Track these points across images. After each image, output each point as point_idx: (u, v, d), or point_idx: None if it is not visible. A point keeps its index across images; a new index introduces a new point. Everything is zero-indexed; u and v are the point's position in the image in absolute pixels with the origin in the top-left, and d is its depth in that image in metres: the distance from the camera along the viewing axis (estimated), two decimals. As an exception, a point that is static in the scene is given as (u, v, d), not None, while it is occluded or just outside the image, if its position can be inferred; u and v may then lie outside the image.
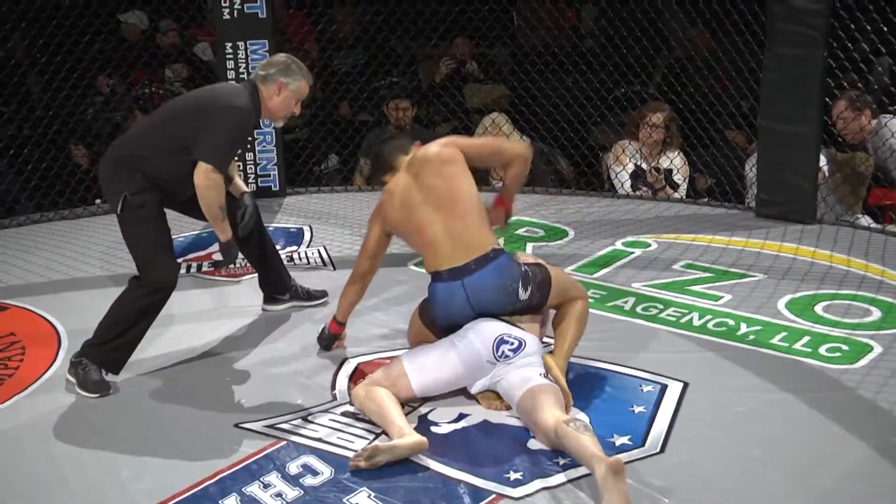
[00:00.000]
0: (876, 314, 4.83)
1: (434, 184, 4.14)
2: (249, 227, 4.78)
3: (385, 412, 3.80)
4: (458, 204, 4.11)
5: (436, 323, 4.18)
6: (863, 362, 4.31)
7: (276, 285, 5.10)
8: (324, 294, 5.16)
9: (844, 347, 4.44)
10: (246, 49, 6.76)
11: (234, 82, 4.61)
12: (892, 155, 6.20)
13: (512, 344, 3.98)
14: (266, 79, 4.49)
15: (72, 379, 4.35)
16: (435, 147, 4.23)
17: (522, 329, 4.05)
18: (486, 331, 4.00)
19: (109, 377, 4.33)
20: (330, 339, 4.58)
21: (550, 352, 4.14)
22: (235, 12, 6.68)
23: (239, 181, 4.87)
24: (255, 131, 6.86)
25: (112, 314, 4.38)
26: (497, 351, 3.96)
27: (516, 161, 4.41)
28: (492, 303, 4.06)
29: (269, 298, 5.14)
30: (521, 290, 4.06)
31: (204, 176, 4.28)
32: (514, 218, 4.96)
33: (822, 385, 4.14)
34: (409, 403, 4.01)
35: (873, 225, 6.29)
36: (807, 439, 3.74)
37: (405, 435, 3.65)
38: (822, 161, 6.33)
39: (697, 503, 3.38)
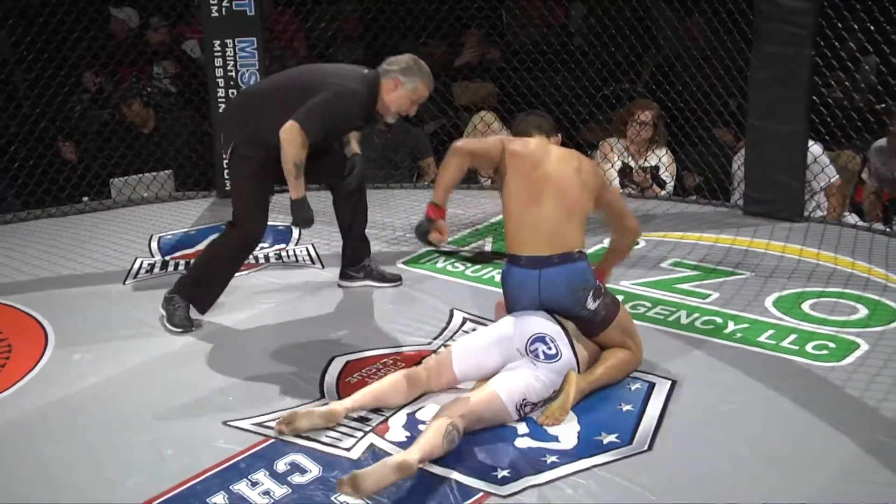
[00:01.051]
0: (862, 312, 4.84)
1: (565, 173, 4.17)
2: (352, 185, 5.04)
3: (372, 384, 4.01)
4: (573, 203, 4.14)
5: (505, 303, 4.25)
6: (850, 360, 4.32)
7: (351, 257, 5.20)
8: (398, 277, 5.22)
9: (831, 345, 4.46)
10: (234, 46, 6.75)
11: (363, 69, 4.79)
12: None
13: (549, 349, 3.99)
14: (387, 73, 4.68)
15: (162, 312, 4.77)
16: (587, 160, 4.34)
17: (571, 340, 4.05)
18: (531, 323, 4.05)
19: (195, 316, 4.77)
20: (426, 227, 4.32)
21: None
22: (223, 10, 6.66)
23: (354, 145, 5.09)
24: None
25: (204, 255, 4.90)
26: (530, 345, 3.99)
27: (629, 234, 4.47)
28: (559, 300, 4.09)
29: (344, 274, 5.30)
30: (590, 299, 4.09)
31: (288, 132, 4.50)
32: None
33: (809, 383, 4.15)
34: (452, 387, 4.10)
35: (860, 223, 6.31)
36: (795, 437, 3.74)
37: (334, 403, 3.89)
38: (826, 161, 6.35)
39: (685, 501, 3.38)
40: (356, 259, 5.21)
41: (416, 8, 7.68)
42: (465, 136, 7.34)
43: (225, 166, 4.76)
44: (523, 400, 3.87)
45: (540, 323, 4.04)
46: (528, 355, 3.98)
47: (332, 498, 3.41)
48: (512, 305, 4.19)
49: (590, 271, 4.13)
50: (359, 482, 3.31)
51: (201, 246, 5.90)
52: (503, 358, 4.05)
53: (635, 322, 4.45)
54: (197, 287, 4.81)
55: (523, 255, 4.10)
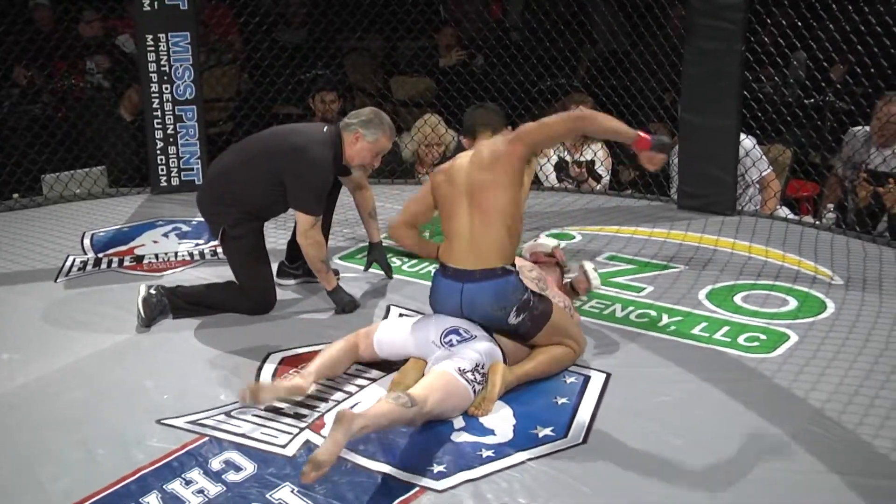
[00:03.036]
0: (792, 304, 4.92)
1: (476, 178, 4.13)
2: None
3: (317, 358, 4.08)
4: (490, 211, 4.10)
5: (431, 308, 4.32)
6: (780, 351, 4.39)
7: (295, 253, 5.17)
8: (335, 272, 5.16)
9: (762, 337, 4.52)
10: (167, 41, 6.70)
11: (323, 125, 4.97)
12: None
13: (462, 336, 4.07)
14: (347, 127, 4.81)
15: (143, 293, 4.74)
16: (495, 142, 4.22)
17: (487, 331, 4.13)
18: (447, 320, 4.15)
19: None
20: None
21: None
22: (156, 4, 6.61)
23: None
24: (179, 124, 6.82)
25: (213, 290, 4.96)
26: (444, 338, 4.07)
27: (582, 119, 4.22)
28: (481, 316, 4.12)
29: (281, 272, 5.30)
30: (512, 315, 4.09)
31: (304, 235, 4.77)
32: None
33: (740, 374, 4.21)
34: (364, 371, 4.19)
35: (790, 216, 6.40)
36: (726, 428, 3.78)
37: (297, 378, 3.96)
38: (758, 154, 6.43)
39: (619, 492, 3.41)
40: (299, 255, 5.19)
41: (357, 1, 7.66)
42: (410, 136, 7.31)
43: (220, 247, 4.99)
44: (461, 369, 3.89)
45: (454, 319, 4.16)
46: (443, 346, 4.04)
47: (268, 496, 3.40)
48: (436, 310, 4.27)
49: (513, 287, 4.09)
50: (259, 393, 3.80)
51: (135, 242, 5.85)
52: (419, 350, 4.13)
53: (570, 316, 4.48)
54: (185, 308, 4.85)
55: (450, 266, 4.15)
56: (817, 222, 6.25)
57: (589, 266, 4.76)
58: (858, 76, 6.22)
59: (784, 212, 6.47)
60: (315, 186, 4.74)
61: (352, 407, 3.94)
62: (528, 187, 4.52)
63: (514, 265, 4.16)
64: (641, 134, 4.14)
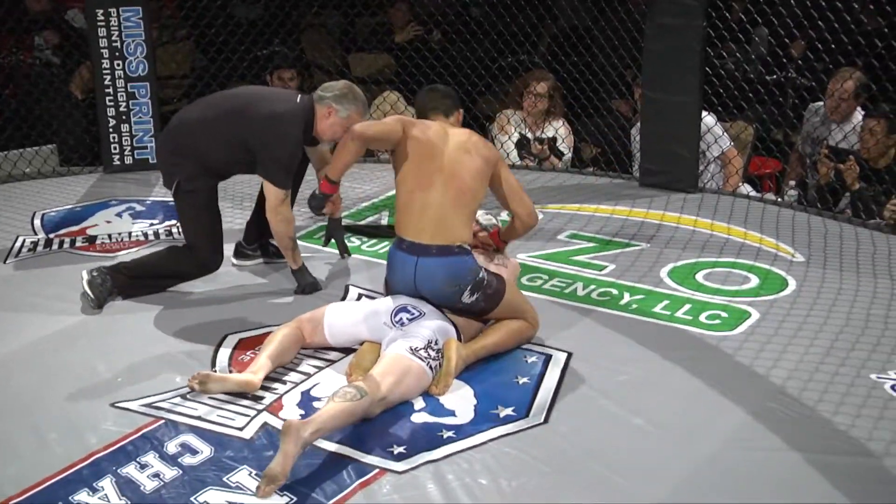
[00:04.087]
0: (754, 281, 4.98)
1: (459, 159, 4.22)
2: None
3: (265, 348, 4.05)
4: (463, 192, 4.18)
5: (385, 283, 4.39)
6: (741, 329, 4.45)
7: (255, 233, 5.23)
8: None
9: (724, 314, 4.56)
10: (118, 16, 6.63)
11: (296, 94, 4.88)
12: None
13: (411, 314, 4.10)
14: (321, 99, 4.71)
15: (86, 276, 4.70)
16: (482, 140, 4.37)
17: (436, 306, 4.17)
18: (396, 299, 4.20)
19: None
20: (321, 200, 4.53)
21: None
22: (107, -23, 6.55)
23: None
24: (131, 101, 6.76)
25: (155, 258, 4.95)
26: (395, 317, 4.10)
27: (521, 223, 4.48)
28: (433, 293, 4.17)
29: (239, 252, 5.30)
30: (466, 294, 4.14)
31: (274, 211, 4.74)
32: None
33: (702, 352, 4.25)
34: (317, 355, 4.21)
35: (752, 193, 6.44)
36: (688, 406, 3.84)
37: (248, 373, 3.93)
38: (720, 131, 6.46)
39: (580, 472, 3.44)
40: (258, 235, 5.18)
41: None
42: (369, 114, 7.28)
43: (173, 199, 4.87)
44: (414, 348, 3.90)
45: (403, 298, 4.21)
46: (394, 326, 4.07)
47: (225, 479, 3.40)
48: (390, 286, 4.32)
49: (469, 267, 4.15)
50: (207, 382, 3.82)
51: (87, 223, 5.81)
52: (371, 333, 4.15)
53: (531, 295, 4.50)
54: (131, 284, 4.82)
55: (406, 240, 4.18)
56: (779, 199, 6.30)
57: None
58: (819, 52, 6.27)
59: (746, 189, 6.51)
60: (285, 159, 4.70)
61: (310, 389, 3.95)
62: None
63: (469, 246, 4.22)
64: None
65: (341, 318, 4.23)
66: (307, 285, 4.90)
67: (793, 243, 5.48)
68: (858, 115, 6.22)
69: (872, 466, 3.46)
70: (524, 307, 4.34)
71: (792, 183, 6.41)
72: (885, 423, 3.71)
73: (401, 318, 4.10)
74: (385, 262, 4.87)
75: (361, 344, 4.18)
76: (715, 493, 3.31)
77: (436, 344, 3.98)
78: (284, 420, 3.52)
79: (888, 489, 3.36)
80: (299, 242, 5.42)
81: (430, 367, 3.91)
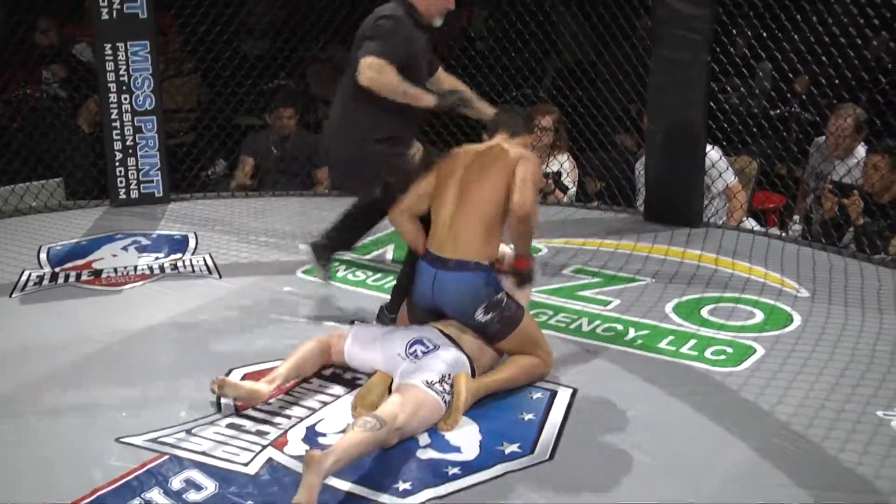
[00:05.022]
0: (759, 316, 4.97)
1: (479, 174, 4.26)
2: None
3: (287, 359, 4.17)
4: (480, 206, 4.21)
5: (412, 297, 4.41)
6: (746, 364, 4.44)
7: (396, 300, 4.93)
8: None
9: (729, 350, 4.56)
10: (126, 50, 6.66)
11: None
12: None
13: (426, 347, 4.09)
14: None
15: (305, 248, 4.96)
16: (510, 150, 4.32)
17: (451, 338, 4.16)
18: (412, 330, 4.23)
19: None
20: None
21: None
22: (115, 12, 6.57)
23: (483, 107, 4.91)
24: (138, 135, 6.77)
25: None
26: (409, 349, 4.10)
27: (512, 214, 4.27)
28: (449, 306, 4.24)
29: (380, 317, 4.95)
30: (480, 312, 4.16)
31: (365, 66, 4.37)
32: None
33: (707, 388, 4.24)
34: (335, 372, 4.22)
35: (757, 228, 6.45)
36: (694, 442, 3.83)
37: (261, 382, 4.06)
38: (724, 166, 6.47)
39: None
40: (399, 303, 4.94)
41: (319, 11, 7.62)
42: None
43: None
44: (429, 381, 3.90)
45: (419, 329, 4.23)
46: (408, 358, 4.06)
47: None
48: (413, 297, 4.39)
49: (485, 286, 4.17)
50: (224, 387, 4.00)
51: (93, 256, 5.82)
52: (386, 364, 4.15)
53: (538, 329, 4.51)
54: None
55: (430, 251, 4.26)
56: (783, 234, 6.31)
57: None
58: (822, 87, 6.29)
59: (750, 223, 6.53)
60: (386, 32, 4.45)
61: (315, 424, 3.94)
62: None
63: (492, 264, 4.23)
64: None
65: (361, 342, 4.27)
66: (460, 101, 4.68)
67: (798, 278, 5.48)
68: (862, 150, 6.24)
69: (879, 504, 3.46)
70: (539, 342, 4.34)
71: (796, 218, 6.42)
72: (891, 460, 3.70)
73: (415, 351, 4.09)
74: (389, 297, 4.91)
75: (372, 374, 4.19)
76: (721, 530, 3.31)
77: (449, 378, 3.98)
78: (305, 452, 3.50)
79: (895, 527, 3.36)
80: (303, 276, 5.45)
81: (444, 401, 3.92)
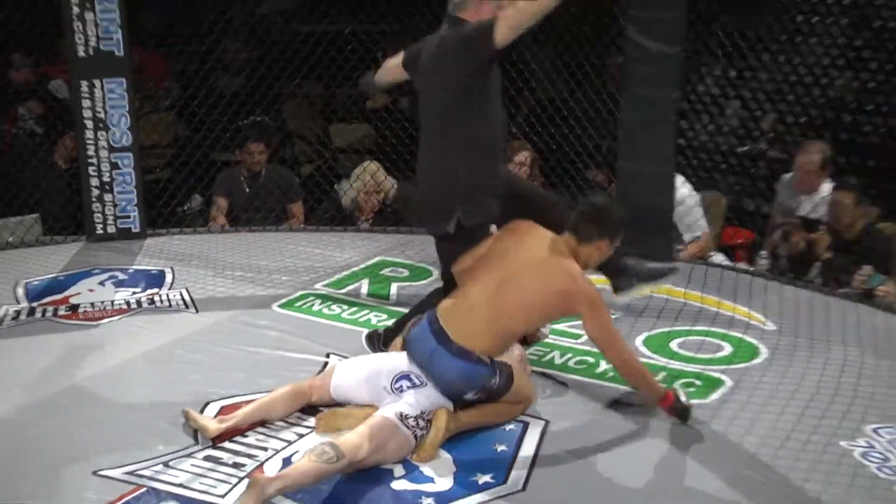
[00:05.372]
0: (727, 349, 5.05)
1: (523, 273, 4.14)
2: None
3: (257, 400, 4.21)
4: (508, 310, 4.11)
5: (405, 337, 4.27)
6: (714, 396, 4.50)
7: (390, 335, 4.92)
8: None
9: (698, 382, 4.62)
10: (102, 87, 6.67)
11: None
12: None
13: (413, 382, 4.10)
14: (461, 5, 4.46)
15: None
16: (568, 270, 4.18)
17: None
18: (399, 360, 4.19)
19: None
20: None
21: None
22: (91, 50, 6.59)
23: None
24: (115, 171, 6.77)
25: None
26: (395, 384, 4.10)
27: (626, 370, 4.29)
28: (439, 381, 4.08)
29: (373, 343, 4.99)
30: (470, 394, 4.10)
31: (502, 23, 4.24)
32: (378, 259, 5.10)
33: (677, 420, 4.27)
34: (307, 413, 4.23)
35: (725, 262, 6.53)
36: (664, 473, 3.89)
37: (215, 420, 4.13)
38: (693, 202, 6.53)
39: (557, 539, 3.49)
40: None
41: (295, 48, 7.68)
42: (349, 183, 7.26)
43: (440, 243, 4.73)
44: (403, 415, 3.93)
45: (409, 363, 4.17)
46: (393, 392, 4.07)
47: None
48: (406, 343, 4.23)
49: (480, 377, 4.06)
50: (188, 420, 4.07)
51: (70, 291, 5.83)
52: (370, 394, 4.15)
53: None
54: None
55: (438, 320, 4.12)
56: (751, 269, 6.39)
57: None
58: (789, 125, 6.40)
59: (719, 258, 6.60)
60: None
61: (290, 456, 3.96)
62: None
63: (490, 359, 4.10)
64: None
65: (347, 377, 4.25)
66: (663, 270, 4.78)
67: (765, 312, 5.54)
68: (827, 186, 6.33)
69: (843, 532, 3.53)
70: (524, 393, 4.30)
71: (763, 252, 6.49)
72: (855, 490, 3.78)
73: (401, 386, 4.09)
74: (366, 330, 4.93)
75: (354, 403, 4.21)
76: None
77: (426, 415, 4.00)
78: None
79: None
80: (279, 310, 5.48)
81: (416, 437, 3.94)
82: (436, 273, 6.02)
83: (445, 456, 3.98)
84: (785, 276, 6.16)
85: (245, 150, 7.27)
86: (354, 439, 3.74)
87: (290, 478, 3.50)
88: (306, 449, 3.93)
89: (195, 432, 4.14)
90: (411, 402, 4.00)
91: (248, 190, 7.28)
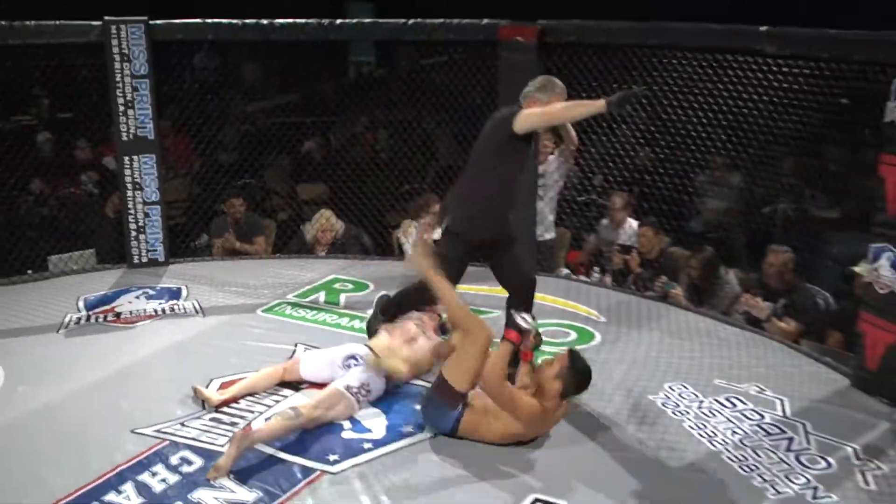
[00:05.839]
0: (573, 335, 5.04)
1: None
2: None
3: (247, 379, 4.12)
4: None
5: None
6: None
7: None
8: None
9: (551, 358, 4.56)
10: (139, 161, 6.51)
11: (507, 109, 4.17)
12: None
13: (357, 362, 4.03)
14: (524, 96, 4.12)
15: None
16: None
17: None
18: (347, 349, 4.13)
19: None
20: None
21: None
22: (131, 135, 6.43)
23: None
24: (147, 219, 6.58)
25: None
26: (345, 361, 4.04)
27: None
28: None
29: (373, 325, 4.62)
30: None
31: (529, 115, 3.94)
32: (332, 276, 4.99)
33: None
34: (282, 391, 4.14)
35: (571, 275, 6.54)
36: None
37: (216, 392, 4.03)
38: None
39: (460, 463, 3.50)
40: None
41: (276, 132, 7.59)
42: (311, 225, 7.09)
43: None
44: (349, 386, 3.86)
45: (353, 347, 4.13)
46: (343, 368, 4.02)
47: (210, 481, 3.35)
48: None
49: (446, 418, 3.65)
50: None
51: (115, 303, 5.66)
52: (330, 373, 4.08)
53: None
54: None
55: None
56: (588, 280, 6.40)
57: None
58: (610, 183, 6.47)
59: (565, 272, 6.60)
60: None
61: (270, 417, 3.87)
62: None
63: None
64: None
65: (313, 360, 4.19)
66: (628, 97, 3.71)
67: (598, 309, 5.53)
68: (634, 223, 6.37)
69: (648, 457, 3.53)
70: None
71: (596, 269, 6.50)
72: (658, 426, 3.88)
73: (349, 363, 4.02)
74: (323, 327, 4.85)
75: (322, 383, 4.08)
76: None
77: (367, 386, 3.92)
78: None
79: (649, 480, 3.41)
80: (263, 315, 5.36)
81: (359, 402, 3.88)
82: (372, 286, 5.95)
83: (381, 414, 3.92)
84: (610, 285, 6.18)
85: (228, 203, 7.06)
86: (311, 403, 3.70)
87: (263, 432, 3.47)
88: (277, 412, 3.88)
89: (202, 402, 4.04)
90: (356, 375, 3.93)
91: (232, 233, 7.05)
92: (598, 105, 3.73)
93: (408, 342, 4.23)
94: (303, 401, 3.84)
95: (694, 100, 5.59)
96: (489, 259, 4.38)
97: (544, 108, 3.95)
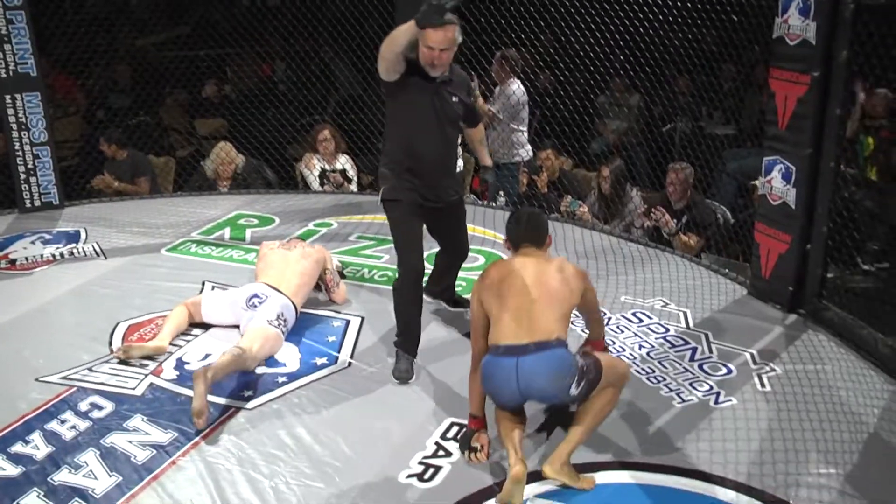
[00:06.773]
0: (481, 260, 5.09)
1: (542, 269, 3.10)
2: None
3: (167, 324, 3.97)
4: (550, 297, 3.04)
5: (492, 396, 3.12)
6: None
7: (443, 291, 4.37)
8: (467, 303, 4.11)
9: (464, 284, 4.58)
10: (23, 99, 6.18)
11: None
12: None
13: (261, 298, 3.96)
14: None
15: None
16: (571, 267, 3.17)
17: (280, 291, 4.01)
18: (249, 289, 4.04)
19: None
20: (469, 436, 3.14)
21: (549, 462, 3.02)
22: (10, 72, 6.07)
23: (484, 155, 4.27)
24: (37, 160, 6.28)
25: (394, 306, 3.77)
26: (248, 302, 3.96)
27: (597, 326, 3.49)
28: (542, 391, 3.01)
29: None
30: (573, 386, 2.99)
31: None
32: (236, 212, 4.88)
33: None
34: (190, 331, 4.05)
35: (478, 201, 6.57)
36: (446, 346, 3.90)
37: (157, 341, 3.85)
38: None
39: (372, 397, 3.51)
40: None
41: (169, 66, 7.31)
42: (210, 160, 6.88)
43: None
44: (269, 320, 3.83)
45: (253, 286, 4.06)
46: (248, 308, 3.96)
47: (124, 425, 3.31)
48: (493, 397, 3.11)
49: (570, 357, 3.00)
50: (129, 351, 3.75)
51: (8, 249, 5.41)
52: (234, 315, 4.02)
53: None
54: (401, 336, 3.78)
55: (500, 345, 3.01)
56: (492, 204, 6.44)
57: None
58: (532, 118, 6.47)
59: (473, 198, 6.62)
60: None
61: (181, 357, 3.83)
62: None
63: (563, 337, 3.04)
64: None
65: (213, 305, 4.10)
66: (431, 7, 3.27)
67: (504, 233, 5.56)
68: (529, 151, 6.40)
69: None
70: (615, 369, 3.17)
71: (501, 193, 6.54)
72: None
73: (253, 303, 3.96)
74: (232, 264, 4.76)
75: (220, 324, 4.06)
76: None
77: (283, 315, 3.90)
78: (192, 371, 3.47)
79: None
80: (167, 254, 5.22)
81: (283, 332, 3.87)
82: (277, 221, 5.86)
83: (293, 348, 3.91)
84: (516, 207, 6.21)
85: (101, 142, 6.74)
86: (247, 342, 3.68)
87: (217, 367, 3.41)
88: (191, 352, 3.87)
89: (109, 343, 3.93)
90: (267, 308, 3.89)
91: (106, 170, 6.75)
92: (410, 24, 3.38)
93: (296, 261, 4.24)
94: (222, 343, 3.82)
95: (591, 20, 5.60)
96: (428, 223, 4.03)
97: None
